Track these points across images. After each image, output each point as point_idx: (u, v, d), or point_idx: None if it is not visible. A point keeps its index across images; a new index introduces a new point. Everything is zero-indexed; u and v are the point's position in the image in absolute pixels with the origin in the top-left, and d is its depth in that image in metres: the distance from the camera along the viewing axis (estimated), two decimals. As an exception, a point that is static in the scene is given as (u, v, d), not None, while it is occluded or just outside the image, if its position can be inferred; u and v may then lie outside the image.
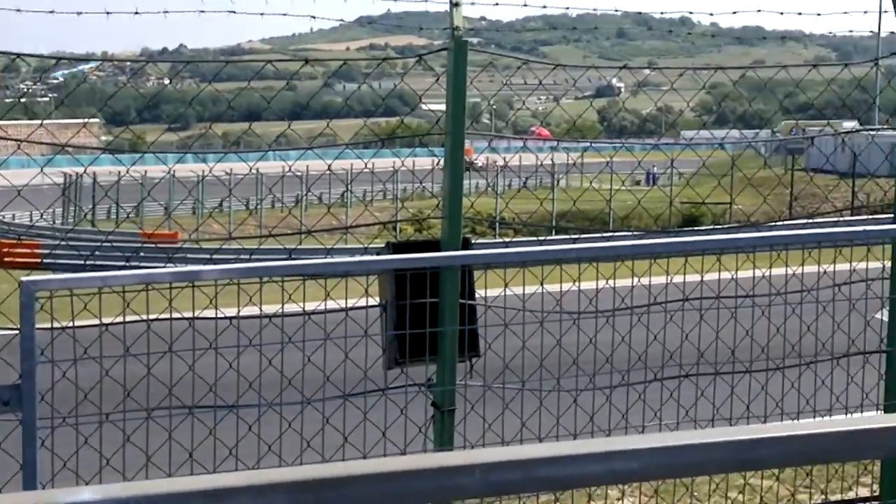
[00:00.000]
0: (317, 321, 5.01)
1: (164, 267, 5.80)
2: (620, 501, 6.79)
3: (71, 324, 4.27)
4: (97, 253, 9.88)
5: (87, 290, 4.10)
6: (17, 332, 3.63)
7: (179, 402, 4.75)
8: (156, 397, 4.75)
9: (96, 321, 4.44)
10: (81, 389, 4.45)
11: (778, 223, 9.84)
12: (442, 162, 5.89)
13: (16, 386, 3.45)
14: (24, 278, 3.45)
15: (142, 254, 14.25)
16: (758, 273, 6.03)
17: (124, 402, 4.55)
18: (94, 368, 4.48)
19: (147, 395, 4.66)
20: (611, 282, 5.74)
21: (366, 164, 7.33)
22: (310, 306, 5.12)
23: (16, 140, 7.13)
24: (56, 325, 4.18)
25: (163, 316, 4.55)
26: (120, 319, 4.52)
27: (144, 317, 4.50)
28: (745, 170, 8.71)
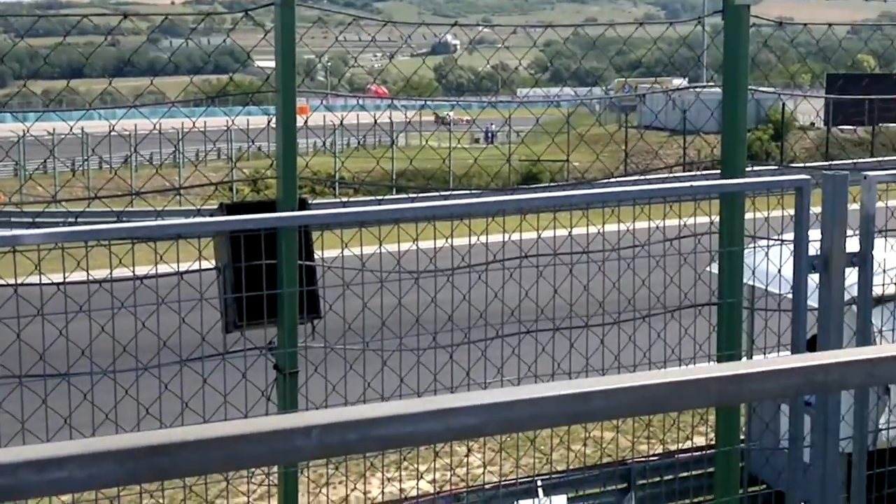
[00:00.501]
0: (149, 285, 4.86)
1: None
2: (468, 457, 6.88)
3: None
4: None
5: None
6: None
7: (8, 372, 4.54)
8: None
9: None
10: None
11: (612, 180, 10.08)
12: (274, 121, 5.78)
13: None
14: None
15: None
16: (592, 229, 6.16)
17: None
18: None
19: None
20: (449, 240, 5.77)
21: (194, 124, 7.12)
22: (141, 271, 4.96)
23: None
24: None
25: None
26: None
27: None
28: (579, 127, 8.90)
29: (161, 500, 5.17)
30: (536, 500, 6.97)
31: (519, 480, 7.27)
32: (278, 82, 5.57)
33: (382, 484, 6.20)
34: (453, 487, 7.26)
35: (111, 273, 4.88)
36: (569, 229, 6.17)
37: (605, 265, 6.03)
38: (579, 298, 6.07)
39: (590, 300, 6.02)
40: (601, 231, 6.20)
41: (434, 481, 7.16)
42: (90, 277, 4.77)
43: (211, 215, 5.82)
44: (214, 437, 1.45)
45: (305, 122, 6.33)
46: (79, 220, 5.46)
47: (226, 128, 6.84)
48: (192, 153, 35.35)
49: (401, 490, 7.00)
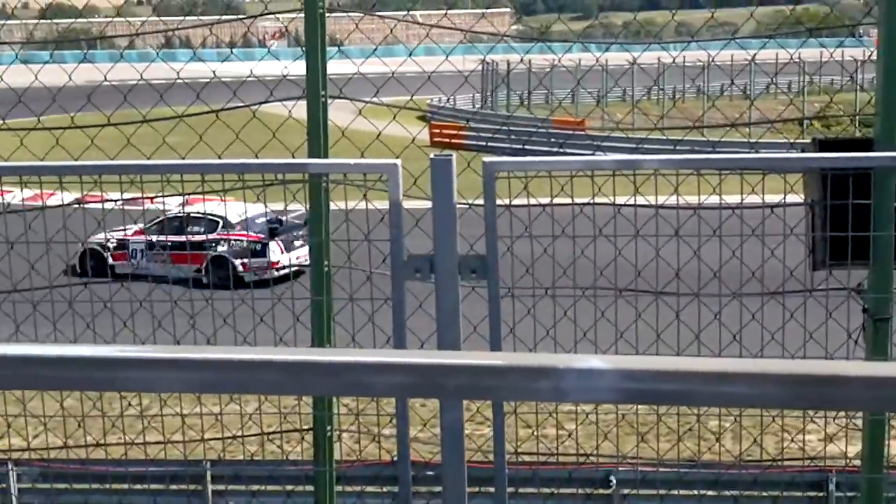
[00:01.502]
0: (739, 215, 4.93)
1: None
2: None
3: (526, 202, 4.52)
4: (511, 136, 10.35)
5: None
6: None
7: (647, 286, 4.90)
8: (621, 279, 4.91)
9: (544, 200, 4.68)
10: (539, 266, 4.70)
11: None
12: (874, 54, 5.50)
13: (482, 256, 3.76)
14: (485, 159, 3.71)
15: (552, 140, 14.72)
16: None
17: (587, 281, 4.74)
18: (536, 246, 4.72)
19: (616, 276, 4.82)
20: None
21: (791, 57, 6.99)
22: (731, 200, 5.05)
23: (423, 25, 7.53)
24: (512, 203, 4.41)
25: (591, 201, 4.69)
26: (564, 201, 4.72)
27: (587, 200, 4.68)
28: None
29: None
30: None
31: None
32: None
33: None
34: None
35: (699, 201, 5.02)
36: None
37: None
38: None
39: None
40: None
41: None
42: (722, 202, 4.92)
43: (802, 150, 5.72)
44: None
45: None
46: (676, 147, 5.64)
47: (819, 60, 6.64)
48: (782, 85, 34.67)
49: None
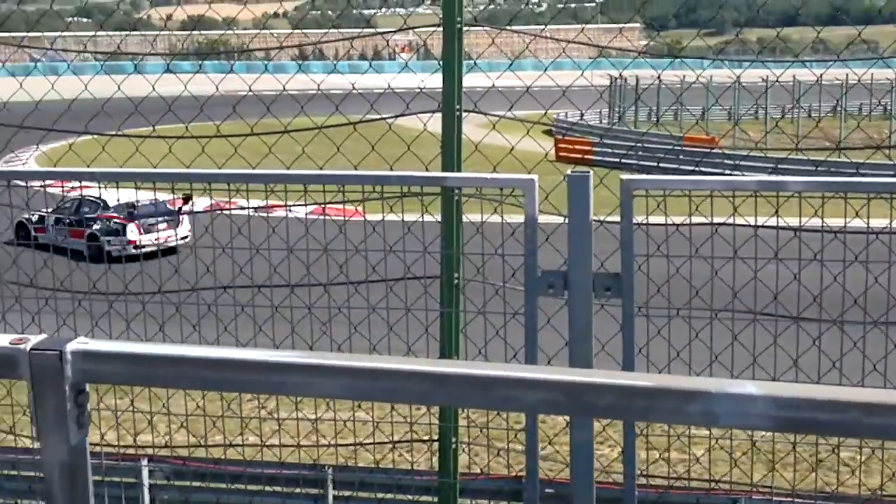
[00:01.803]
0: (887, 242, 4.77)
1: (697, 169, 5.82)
2: None
3: (664, 221, 4.47)
4: (640, 153, 10.26)
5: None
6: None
7: (744, 307, 4.79)
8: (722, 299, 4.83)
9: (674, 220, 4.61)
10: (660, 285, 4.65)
11: None
12: None
13: (617, 275, 3.75)
14: (623, 177, 3.69)
15: (681, 157, 14.51)
16: None
17: (690, 300, 4.67)
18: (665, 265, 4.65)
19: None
20: None
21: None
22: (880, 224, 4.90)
23: (559, 41, 7.51)
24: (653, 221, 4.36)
25: (730, 221, 4.59)
26: (688, 220, 4.63)
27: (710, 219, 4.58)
28: None
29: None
30: None
31: None
32: None
33: None
34: None
35: (844, 225, 4.87)
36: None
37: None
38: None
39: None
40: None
41: None
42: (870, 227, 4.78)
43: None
44: None
45: None
46: (817, 168, 5.49)
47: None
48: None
49: None
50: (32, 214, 6.02)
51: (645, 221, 4.09)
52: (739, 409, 1.61)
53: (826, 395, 1.55)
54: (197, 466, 6.68)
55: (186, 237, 7.71)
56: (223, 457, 5.77)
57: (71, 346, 1.59)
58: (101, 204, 17.19)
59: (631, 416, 1.83)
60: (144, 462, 7.74)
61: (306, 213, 5.03)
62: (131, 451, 7.02)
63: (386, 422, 5.63)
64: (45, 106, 6.63)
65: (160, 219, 14.30)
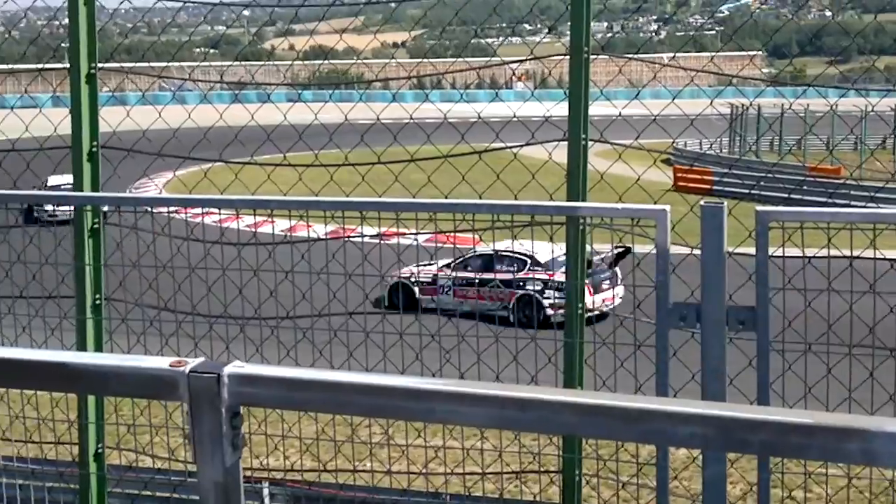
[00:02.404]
0: None
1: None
2: None
3: (801, 253, 4.36)
4: (762, 183, 10.02)
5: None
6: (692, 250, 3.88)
7: (882, 344, 4.63)
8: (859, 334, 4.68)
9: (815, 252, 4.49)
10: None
11: None
12: None
13: (751, 308, 3.67)
14: (758, 208, 3.62)
15: (804, 187, 14.14)
16: None
17: (827, 334, 4.53)
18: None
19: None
20: None
21: None
22: None
23: (687, 70, 7.44)
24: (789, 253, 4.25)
25: (865, 254, 4.45)
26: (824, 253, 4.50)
27: (846, 252, 4.44)
28: None
29: None
30: None
31: None
32: None
33: None
34: None
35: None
36: None
37: None
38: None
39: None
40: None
41: None
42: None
43: None
44: None
45: None
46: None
47: None
48: None
49: None
50: (418, 273, 5.45)
51: (780, 253, 4.00)
52: (901, 449, 1.56)
53: None
54: (321, 491, 6.74)
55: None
56: (348, 482, 5.82)
57: (228, 370, 1.62)
58: (528, 260, 14.74)
59: (785, 453, 1.78)
60: (266, 486, 7.83)
61: (437, 243, 5.06)
62: (248, 472, 7.14)
63: (509, 452, 5.60)
64: (168, 133, 6.80)
65: (605, 275, 12.17)
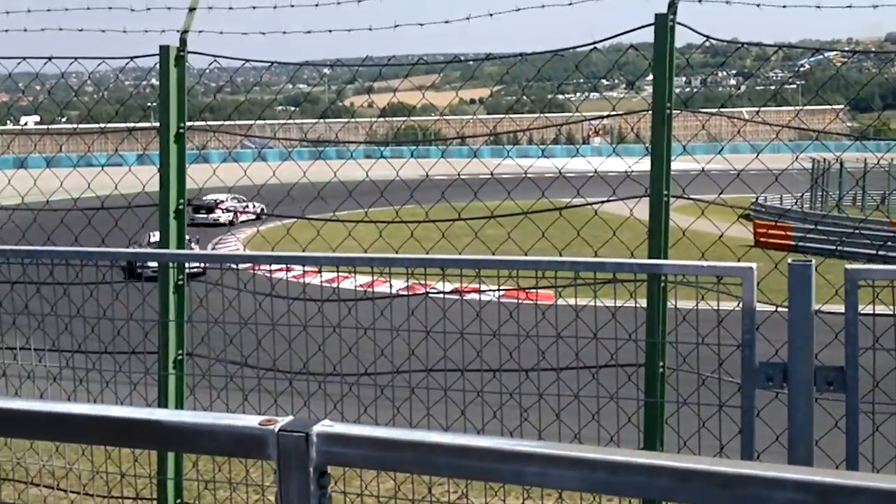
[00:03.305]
0: None
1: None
2: None
3: (891, 312, 4.25)
4: (846, 240, 9.83)
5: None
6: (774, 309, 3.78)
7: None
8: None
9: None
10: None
11: None
12: None
13: (840, 368, 3.58)
14: (848, 266, 3.54)
15: (889, 244, 13.80)
16: None
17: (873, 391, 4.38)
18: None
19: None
20: None
21: None
22: None
23: (772, 125, 7.30)
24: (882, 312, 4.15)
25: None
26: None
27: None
28: None
29: None
30: None
31: None
32: None
33: None
34: None
35: None
36: None
37: None
38: None
39: None
40: None
41: None
42: None
43: None
44: None
45: None
46: None
47: None
48: None
49: None
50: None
51: (871, 312, 3.89)
52: None
53: None
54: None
55: None
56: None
57: (317, 429, 1.62)
58: None
59: (889, 523, 1.72)
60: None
61: (518, 299, 5.02)
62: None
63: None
64: (253, 189, 6.91)
65: None
